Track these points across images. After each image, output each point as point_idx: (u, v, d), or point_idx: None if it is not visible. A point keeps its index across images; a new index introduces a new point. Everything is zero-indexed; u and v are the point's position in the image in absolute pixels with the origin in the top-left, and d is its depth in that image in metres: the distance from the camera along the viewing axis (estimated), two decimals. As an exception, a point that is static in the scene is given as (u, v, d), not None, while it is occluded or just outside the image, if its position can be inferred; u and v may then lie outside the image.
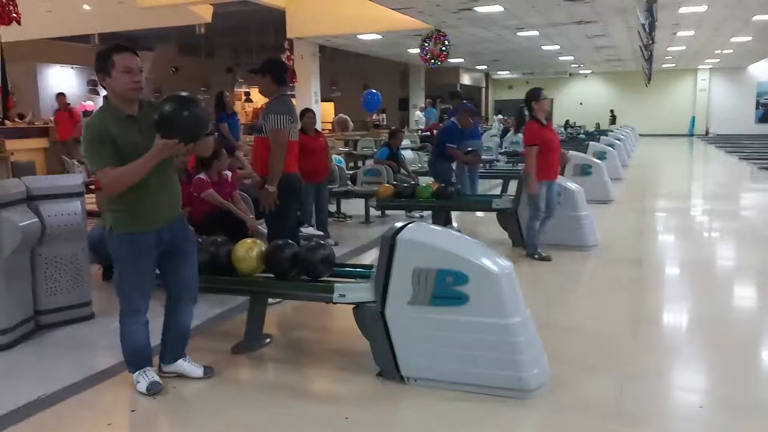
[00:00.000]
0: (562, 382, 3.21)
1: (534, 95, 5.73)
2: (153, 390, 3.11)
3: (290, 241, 3.61)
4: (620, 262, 5.96)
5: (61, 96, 12.77)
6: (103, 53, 2.96)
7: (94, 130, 2.91)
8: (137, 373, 3.19)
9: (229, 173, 5.22)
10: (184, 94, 2.93)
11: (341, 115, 17.56)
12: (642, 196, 10.36)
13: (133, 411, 3.09)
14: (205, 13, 13.45)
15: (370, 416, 2.96)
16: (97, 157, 2.89)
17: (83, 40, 18.77)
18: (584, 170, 9.11)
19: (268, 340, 3.80)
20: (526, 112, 5.95)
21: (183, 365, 3.30)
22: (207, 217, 4.86)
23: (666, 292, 5.21)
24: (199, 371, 3.30)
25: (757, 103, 28.52)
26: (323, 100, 18.51)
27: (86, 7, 13.49)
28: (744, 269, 5.97)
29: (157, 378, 3.17)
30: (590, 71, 30.33)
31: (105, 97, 3.06)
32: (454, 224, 7.39)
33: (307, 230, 5.71)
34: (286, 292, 3.68)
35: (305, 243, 3.76)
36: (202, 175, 5.01)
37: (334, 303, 3.36)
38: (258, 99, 22.21)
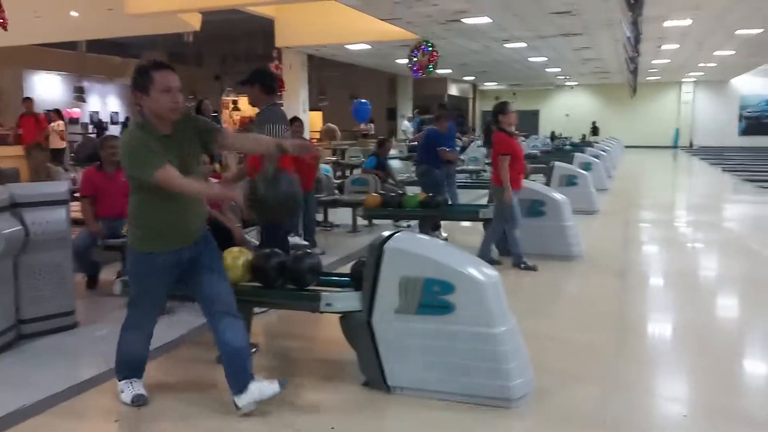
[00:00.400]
0: (547, 391, 3.23)
1: (501, 108, 5.91)
2: (137, 402, 3.07)
3: (277, 250, 3.61)
4: (605, 272, 6.01)
5: (28, 101, 12.39)
6: (141, 70, 2.83)
7: (137, 141, 2.80)
8: (124, 382, 3.14)
9: (216, 182, 5.21)
10: (282, 176, 2.89)
11: (329, 124, 17.62)
12: (627, 207, 10.46)
13: (116, 421, 3.06)
14: (194, 21, 13.43)
15: (356, 426, 2.96)
16: (149, 159, 2.77)
17: (70, 47, 18.69)
18: (570, 181, 9.18)
19: (254, 349, 3.77)
20: (493, 126, 6.07)
21: (256, 389, 2.92)
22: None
23: (650, 302, 5.25)
24: (274, 387, 2.93)
25: (740, 116, 28.93)
26: (312, 109, 18.53)
27: (73, 13, 13.42)
28: (727, 279, 6.03)
29: (142, 391, 3.12)
30: (577, 83, 30.64)
31: (140, 113, 2.90)
32: (444, 234, 7.42)
33: (293, 240, 5.71)
34: (273, 301, 3.68)
35: (292, 252, 3.76)
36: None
37: (321, 312, 3.36)
38: (246, 108, 22.21)
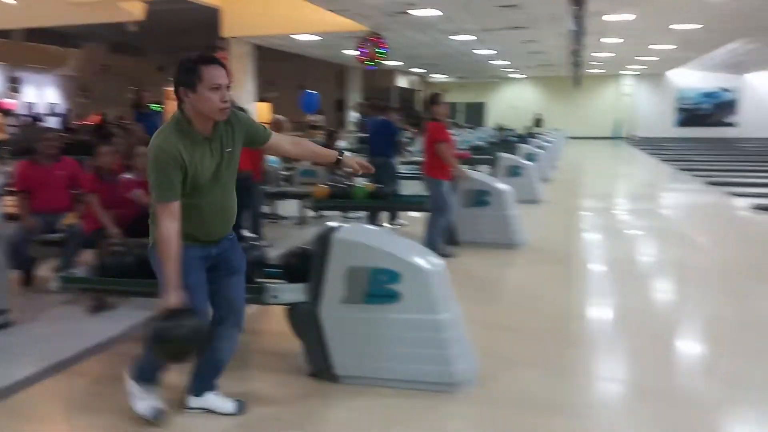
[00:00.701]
0: (491, 376, 3.31)
1: (434, 99, 6.11)
2: (158, 418, 2.85)
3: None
4: (547, 260, 6.17)
5: None
6: (188, 64, 2.54)
7: (166, 154, 2.49)
8: (141, 385, 2.86)
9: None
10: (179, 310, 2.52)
11: (276, 115, 17.40)
12: (569, 197, 10.73)
13: (52, 421, 2.98)
14: (137, 10, 13.08)
15: (303, 417, 2.96)
16: (163, 185, 2.51)
17: (5, 35, 17.93)
18: (514, 171, 9.38)
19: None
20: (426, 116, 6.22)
21: (213, 400, 2.93)
22: (138, 219, 4.74)
23: (591, 288, 5.42)
24: (229, 406, 2.93)
25: (677, 108, 30.09)
26: (260, 100, 18.30)
27: (10, 0, 12.88)
28: (664, 265, 6.26)
29: (160, 404, 2.89)
30: (524, 76, 31.16)
31: (180, 109, 2.59)
32: (403, 221, 7.50)
33: (240, 232, 5.66)
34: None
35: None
36: (129, 175, 4.90)
37: (267, 304, 3.34)
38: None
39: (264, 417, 2.93)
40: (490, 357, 3.50)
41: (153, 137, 2.58)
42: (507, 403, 3.08)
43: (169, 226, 2.52)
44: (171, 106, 20.70)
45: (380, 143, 7.73)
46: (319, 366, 3.25)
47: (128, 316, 4.21)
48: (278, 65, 22.28)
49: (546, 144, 14.70)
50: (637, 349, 3.90)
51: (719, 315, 4.57)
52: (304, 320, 3.24)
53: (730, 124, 29.46)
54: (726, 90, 29.33)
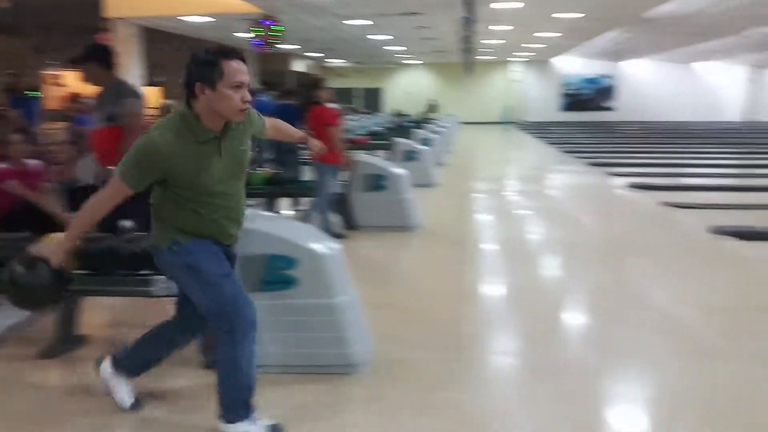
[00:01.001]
0: (388, 357, 3.37)
1: (316, 84, 6.17)
2: None
3: (105, 234, 3.39)
4: (442, 242, 6.35)
5: None
6: (207, 57, 2.33)
7: (154, 152, 2.30)
8: (246, 422, 2.56)
9: (36, 162, 4.80)
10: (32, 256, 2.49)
11: (165, 101, 16.71)
12: (462, 180, 11.08)
13: None
14: (8, -14, 12.09)
15: (200, 409, 2.89)
16: (132, 170, 2.34)
17: None
18: (410, 156, 9.55)
19: (81, 341, 3.55)
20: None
21: (123, 386, 2.81)
22: (13, 210, 4.43)
23: (483, 268, 5.62)
24: (129, 402, 2.82)
25: (562, 94, 31.75)
26: (148, 84, 17.48)
27: None
28: (551, 244, 6.60)
29: (270, 420, 2.64)
30: (420, 62, 31.65)
31: (188, 104, 2.40)
32: (304, 207, 7.49)
33: (125, 223, 5.38)
34: (102, 288, 3.45)
35: (123, 235, 3.55)
36: (3, 165, 4.56)
37: (156, 297, 3.22)
38: (73, 84, 20.43)
39: (158, 411, 2.83)
40: (387, 338, 3.57)
41: (153, 128, 2.39)
42: (404, 382, 3.15)
43: (107, 200, 2.43)
44: (49, 91, 19.37)
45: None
46: (215, 357, 3.17)
47: (5, 316, 3.93)
48: (168, 48, 21.35)
49: (440, 129, 15.06)
50: (528, 325, 4.09)
51: (603, 289, 4.88)
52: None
53: (609, 109, 31.50)
54: (605, 76, 31.26)
